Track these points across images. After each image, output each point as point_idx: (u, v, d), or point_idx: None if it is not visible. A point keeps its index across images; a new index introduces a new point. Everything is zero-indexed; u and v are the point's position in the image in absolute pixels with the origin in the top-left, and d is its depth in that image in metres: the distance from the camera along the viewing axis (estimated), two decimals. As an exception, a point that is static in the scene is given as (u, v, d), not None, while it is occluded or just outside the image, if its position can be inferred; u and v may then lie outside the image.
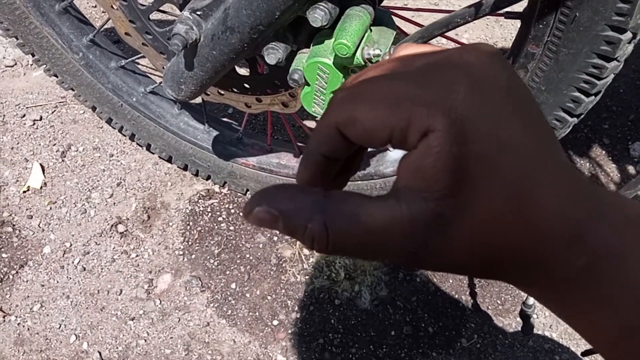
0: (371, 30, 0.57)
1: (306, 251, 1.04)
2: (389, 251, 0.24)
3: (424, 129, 0.23)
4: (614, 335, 0.25)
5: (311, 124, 1.23)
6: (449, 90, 0.23)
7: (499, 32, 1.45)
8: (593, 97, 0.60)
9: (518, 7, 0.58)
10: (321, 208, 0.24)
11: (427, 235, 0.23)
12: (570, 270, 0.24)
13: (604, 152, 1.22)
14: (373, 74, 0.26)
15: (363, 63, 0.55)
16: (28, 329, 0.93)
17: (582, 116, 0.64)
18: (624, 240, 0.24)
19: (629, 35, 0.52)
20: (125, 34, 0.76)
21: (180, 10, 0.64)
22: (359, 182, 0.93)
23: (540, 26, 0.57)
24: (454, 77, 0.23)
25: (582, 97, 0.60)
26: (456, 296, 1.00)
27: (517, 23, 0.63)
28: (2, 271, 0.99)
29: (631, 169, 1.18)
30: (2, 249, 1.01)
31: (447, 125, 0.22)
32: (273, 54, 0.59)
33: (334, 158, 0.27)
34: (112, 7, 0.73)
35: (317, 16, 0.52)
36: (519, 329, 0.96)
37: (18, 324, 0.94)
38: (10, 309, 0.95)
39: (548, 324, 0.98)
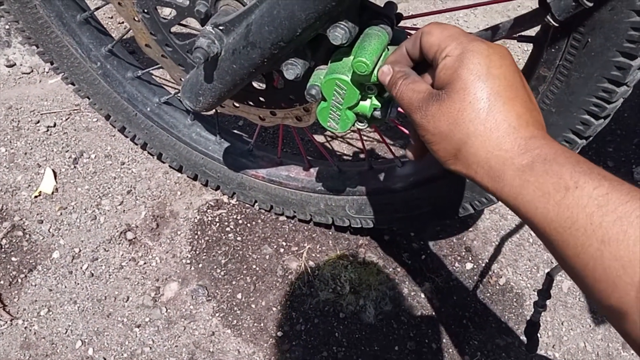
0: (388, 50, 0.59)
1: (312, 263, 1.05)
2: (409, 110, 0.46)
3: (447, 53, 0.44)
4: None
5: (321, 138, 1.25)
6: (471, 53, 0.42)
7: (506, 53, 1.47)
8: (602, 120, 0.61)
9: (531, 31, 0.60)
10: (403, 77, 0.48)
11: (429, 100, 0.44)
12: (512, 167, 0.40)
13: (608, 174, 1.24)
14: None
15: (379, 81, 0.57)
16: (34, 333, 0.94)
17: (591, 138, 0.65)
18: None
19: (639, 61, 0.54)
20: (146, 45, 0.78)
21: (202, 25, 0.66)
22: (367, 196, 0.94)
23: (552, 50, 0.59)
24: (480, 50, 0.43)
25: (592, 119, 0.61)
26: (460, 313, 1.01)
27: (525, 46, 0.64)
28: (11, 275, 1.00)
29: (635, 192, 1.20)
30: (12, 253, 1.02)
31: (458, 54, 0.43)
32: (292, 69, 0.61)
33: (409, 54, 0.50)
34: (134, 19, 0.75)
35: (338, 34, 0.54)
36: (522, 347, 0.96)
37: (25, 328, 0.94)
38: (17, 313, 0.96)
39: (551, 343, 0.98)
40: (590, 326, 1.00)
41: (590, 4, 0.44)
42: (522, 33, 0.55)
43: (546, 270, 0.96)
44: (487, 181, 0.41)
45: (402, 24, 0.66)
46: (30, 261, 1.02)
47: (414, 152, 0.52)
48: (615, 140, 1.29)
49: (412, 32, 0.70)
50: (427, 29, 0.46)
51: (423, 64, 0.50)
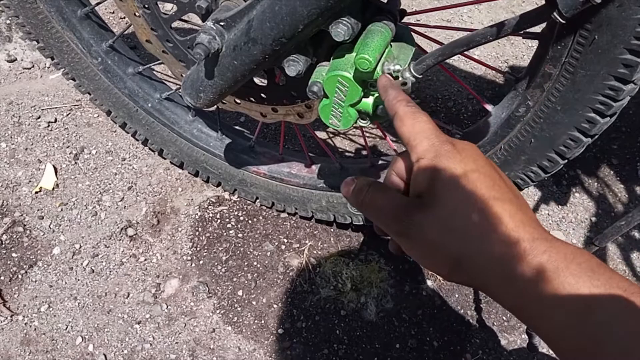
0: (391, 46, 0.58)
1: (313, 260, 1.05)
2: (388, 216, 0.43)
3: (419, 155, 0.42)
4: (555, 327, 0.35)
5: (323, 134, 1.24)
6: (446, 158, 0.41)
7: (510, 50, 1.46)
8: (608, 118, 0.60)
9: (536, 28, 0.59)
10: (370, 185, 0.45)
11: (410, 207, 0.41)
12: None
13: (612, 172, 1.23)
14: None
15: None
16: (35, 329, 0.94)
17: (596, 137, 0.64)
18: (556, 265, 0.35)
19: (646, 59, 0.53)
20: (146, 41, 0.78)
21: (203, 20, 0.66)
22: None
23: (558, 47, 0.58)
24: (452, 154, 0.41)
25: (598, 118, 0.60)
26: (462, 311, 1.01)
27: (529, 42, 0.63)
28: (11, 270, 0.99)
29: (639, 190, 1.19)
30: (13, 249, 1.02)
31: (432, 157, 0.41)
32: (293, 66, 0.60)
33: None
34: (134, 14, 0.74)
35: (340, 31, 0.53)
36: (524, 346, 0.95)
37: (25, 324, 0.94)
38: (18, 309, 0.96)
39: (554, 342, 0.98)
40: (592, 325, 1.00)
41: (599, 1, 0.43)
42: (528, 30, 0.54)
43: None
44: (497, 288, 0.38)
45: (405, 19, 0.65)
46: (31, 257, 1.02)
47: (398, 250, 0.47)
48: (620, 138, 1.28)
49: (416, 28, 0.69)
50: (400, 114, 0.45)
51: None
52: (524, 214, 0.38)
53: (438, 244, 0.39)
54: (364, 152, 1.22)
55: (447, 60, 1.43)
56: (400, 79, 0.56)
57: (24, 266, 1.00)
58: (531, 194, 1.17)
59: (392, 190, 0.45)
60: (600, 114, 0.60)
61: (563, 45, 0.57)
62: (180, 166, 1.11)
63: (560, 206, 1.16)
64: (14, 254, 1.01)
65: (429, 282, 1.03)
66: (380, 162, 0.96)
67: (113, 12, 1.43)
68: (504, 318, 1.00)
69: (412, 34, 0.63)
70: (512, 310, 0.38)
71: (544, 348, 0.97)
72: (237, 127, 1.08)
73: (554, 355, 0.96)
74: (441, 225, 0.39)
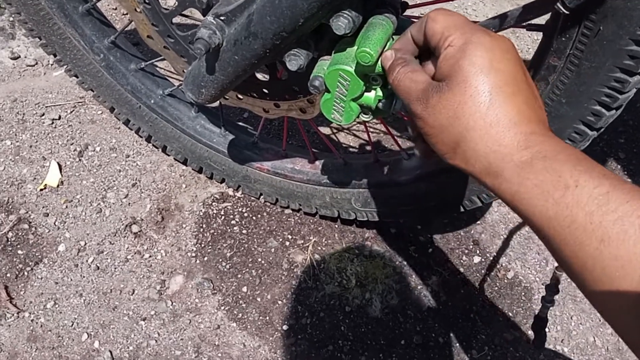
0: (393, 39, 0.58)
1: (317, 257, 1.04)
2: (409, 100, 0.45)
3: (449, 43, 0.43)
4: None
5: (326, 130, 1.23)
6: (474, 44, 0.41)
7: (515, 43, 1.45)
8: (614, 111, 0.59)
9: (540, 20, 0.58)
10: (402, 65, 0.47)
11: (429, 91, 0.43)
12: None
13: (619, 166, 1.21)
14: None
15: (384, 72, 0.55)
16: (41, 326, 0.94)
17: (602, 130, 0.63)
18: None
19: (653, 50, 0.52)
20: (147, 36, 0.77)
21: (203, 15, 0.65)
22: (373, 189, 0.93)
23: (563, 39, 0.57)
24: (483, 42, 0.41)
25: (603, 110, 0.59)
26: (467, 307, 1.00)
27: (534, 35, 0.63)
28: (17, 267, 1.00)
29: (647, 184, 1.17)
30: (18, 246, 1.02)
31: (460, 45, 0.42)
32: (295, 60, 0.60)
33: (414, 40, 0.48)
34: (135, 10, 0.74)
35: (341, 24, 0.53)
36: (530, 342, 0.95)
37: (32, 321, 0.95)
38: (24, 305, 0.96)
39: (560, 338, 0.97)
40: (599, 320, 0.99)
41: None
42: (532, 21, 0.53)
43: (555, 264, 0.95)
44: (485, 177, 0.41)
45: (408, 12, 0.64)
46: (36, 254, 1.02)
47: (423, 151, 0.51)
48: (627, 132, 1.26)
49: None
50: (432, 15, 0.45)
51: (428, 51, 0.49)
52: (534, 112, 0.41)
53: (445, 127, 0.42)
54: (368, 148, 1.21)
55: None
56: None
57: (30, 263, 1.01)
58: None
59: (419, 72, 0.46)
60: (605, 106, 0.59)
61: (567, 36, 0.56)
62: (184, 163, 1.11)
63: (566, 201, 1.15)
64: (19, 251, 1.02)
65: (434, 278, 1.03)
66: (384, 157, 0.95)
67: (115, 9, 1.43)
68: (510, 314, 1.00)
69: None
70: (505, 199, 0.40)
71: (549, 344, 0.96)
72: (240, 123, 1.08)
73: (560, 352, 0.96)
74: (452, 110, 0.41)
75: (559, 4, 0.45)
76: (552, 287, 0.81)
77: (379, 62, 0.55)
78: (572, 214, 0.35)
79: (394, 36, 0.58)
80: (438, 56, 0.44)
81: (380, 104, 0.59)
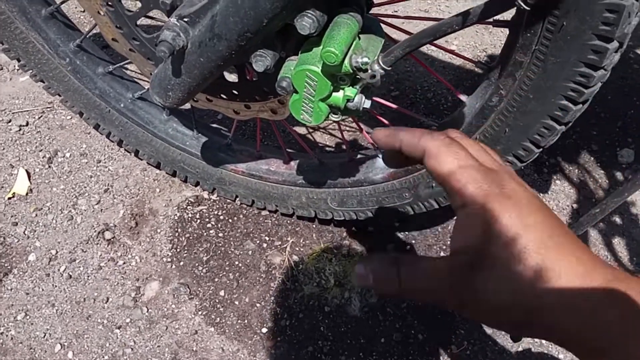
0: (359, 38, 0.57)
1: (296, 258, 1.04)
2: (437, 292, 0.36)
3: (464, 202, 0.36)
4: None
5: (301, 130, 1.22)
6: (499, 204, 0.35)
7: (488, 39, 1.46)
8: (581, 105, 0.60)
9: (506, 16, 0.58)
10: (398, 265, 0.37)
11: (461, 279, 0.34)
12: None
13: (592, 158, 1.23)
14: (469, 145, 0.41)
15: (351, 71, 0.55)
16: (12, 339, 0.92)
17: (570, 124, 0.64)
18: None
19: (615, 44, 0.52)
20: (112, 39, 0.76)
21: (168, 17, 0.64)
22: (349, 188, 0.93)
23: (528, 35, 0.57)
24: (509, 201, 0.35)
25: (570, 105, 0.60)
26: (446, 303, 1.00)
27: (506, 31, 0.63)
28: (-14, 279, 0.97)
29: (619, 175, 1.19)
30: (-14, 257, 1.00)
31: (481, 207, 0.35)
32: (261, 61, 0.59)
33: (390, 145, 0.42)
34: (98, 12, 0.72)
35: (305, 24, 0.52)
36: (508, 336, 0.96)
37: (1, 333, 0.92)
38: (-6, 318, 0.93)
39: (537, 330, 0.98)
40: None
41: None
42: (498, 17, 0.53)
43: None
44: (591, 338, 0.32)
45: (376, 10, 0.64)
46: (6, 265, 0.99)
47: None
48: (599, 124, 1.28)
49: (385, 19, 0.68)
50: (434, 153, 0.38)
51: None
52: (588, 255, 0.34)
53: (504, 305, 0.34)
54: (343, 147, 1.20)
55: (426, 52, 1.42)
56: (369, 71, 0.55)
57: (-1, 274, 0.98)
58: (512, 183, 1.17)
59: (426, 260, 0.38)
60: (572, 101, 0.59)
61: (532, 32, 0.56)
62: (157, 166, 1.09)
63: (541, 194, 1.16)
64: (-12, 262, 0.99)
65: (412, 275, 1.03)
66: (359, 156, 0.95)
67: (83, 11, 1.40)
68: (488, 308, 1.00)
69: (384, 25, 0.62)
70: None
71: (527, 337, 0.97)
72: (213, 125, 1.07)
73: (538, 343, 0.96)
74: (509, 281, 0.33)
75: (519, 0, 0.45)
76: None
77: (345, 62, 0.54)
78: None
79: (359, 35, 0.57)
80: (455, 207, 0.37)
81: (349, 104, 0.59)
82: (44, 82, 0.98)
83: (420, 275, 0.37)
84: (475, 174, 0.36)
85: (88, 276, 0.99)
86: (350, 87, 0.58)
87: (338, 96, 0.58)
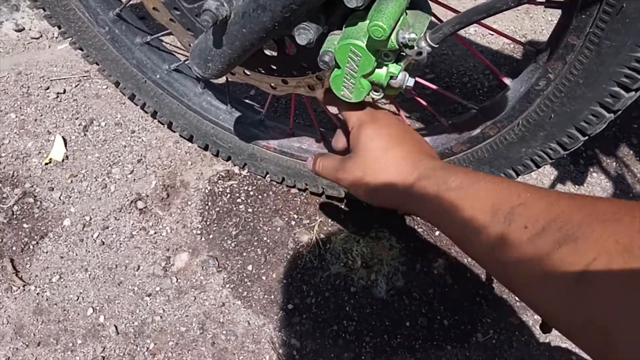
0: (407, 14, 0.56)
1: (323, 237, 1.04)
2: (332, 177, 0.67)
3: (351, 125, 0.65)
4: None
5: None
6: (365, 123, 0.64)
7: (528, 24, 1.41)
8: (633, 92, 0.57)
9: (561, -4, 0.56)
10: (318, 156, 0.71)
11: (344, 161, 0.65)
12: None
13: (631, 152, 1.19)
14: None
15: (397, 47, 0.54)
16: (47, 300, 0.95)
17: (620, 112, 0.61)
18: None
19: (677, 29, 0.50)
20: (153, 9, 0.75)
21: (211, -14, 0.63)
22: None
23: (583, 17, 0.55)
24: (369, 120, 0.64)
25: (622, 92, 0.57)
26: (473, 290, 0.99)
27: (549, 16, 0.60)
28: (23, 241, 1.00)
29: (660, 170, 1.15)
30: (24, 220, 1.02)
31: (358, 125, 0.64)
32: (304, 34, 0.58)
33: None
34: (141, -20, 0.72)
35: (353, -4, 0.51)
36: (537, 326, 0.94)
37: (37, 294, 0.95)
38: (30, 279, 0.96)
39: (566, 323, 0.96)
40: (606, 306, 0.98)
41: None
42: (552, -3, 0.51)
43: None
44: (398, 202, 0.59)
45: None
46: (42, 228, 1.02)
47: (337, 144, 0.72)
48: (642, 116, 1.24)
49: (433, -4, 0.66)
50: (349, 115, 0.67)
51: None
52: (421, 149, 0.61)
53: (360, 178, 0.61)
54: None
55: (464, 35, 1.39)
56: (415, 48, 0.53)
57: (35, 237, 1.01)
58: (547, 173, 1.15)
59: (331, 156, 0.69)
60: (625, 87, 0.57)
61: (588, 14, 0.54)
62: (190, 139, 1.09)
63: (576, 186, 1.13)
64: (25, 225, 1.02)
65: (441, 261, 1.02)
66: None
67: (122, -18, 1.40)
68: (516, 298, 0.99)
69: (429, 2, 0.60)
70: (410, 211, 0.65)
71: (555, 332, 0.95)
72: (247, 101, 1.06)
73: (562, 341, 0.95)
74: (362, 167, 0.61)
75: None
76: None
77: (392, 37, 0.53)
78: (438, 197, 0.51)
79: (407, 10, 0.56)
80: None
81: (392, 81, 0.58)
82: (82, 50, 0.99)
83: (327, 163, 0.68)
84: (360, 114, 0.64)
85: (120, 244, 1.01)
86: (395, 63, 0.57)
87: (381, 73, 0.57)
